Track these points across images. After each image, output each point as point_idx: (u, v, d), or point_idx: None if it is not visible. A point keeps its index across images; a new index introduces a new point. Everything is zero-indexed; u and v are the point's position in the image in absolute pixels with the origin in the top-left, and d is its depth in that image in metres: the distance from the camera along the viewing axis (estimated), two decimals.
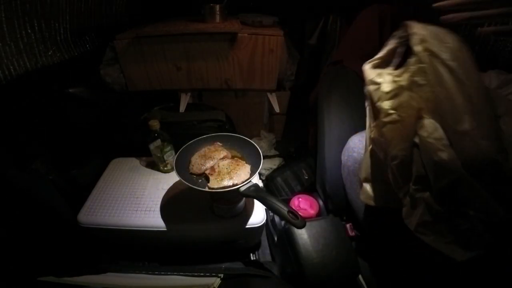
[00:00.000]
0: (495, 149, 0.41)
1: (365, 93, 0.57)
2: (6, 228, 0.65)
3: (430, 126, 0.44)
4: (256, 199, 0.65)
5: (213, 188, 0.67)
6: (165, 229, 0.77)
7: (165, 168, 0.95)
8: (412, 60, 0.47)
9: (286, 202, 0.95)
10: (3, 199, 0.65)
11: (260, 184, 1.01)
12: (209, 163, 0.73)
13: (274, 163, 1.30)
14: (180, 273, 0.55)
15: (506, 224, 0.42)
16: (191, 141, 0.79)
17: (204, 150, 0.78)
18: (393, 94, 0.49)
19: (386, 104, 0.50)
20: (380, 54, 0.57)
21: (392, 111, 0.49)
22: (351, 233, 0.82)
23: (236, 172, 0.70)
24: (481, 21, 0.46)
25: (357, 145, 0.74)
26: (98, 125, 1.08)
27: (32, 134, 0.84)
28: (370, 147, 0.59)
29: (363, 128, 0.79)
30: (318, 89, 1.01)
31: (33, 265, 0.65)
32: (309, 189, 1.08)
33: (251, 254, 0.94)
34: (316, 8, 1.35)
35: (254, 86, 1.26)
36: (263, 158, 0.73)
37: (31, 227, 0.71)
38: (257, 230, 0.81)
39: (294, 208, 0.62)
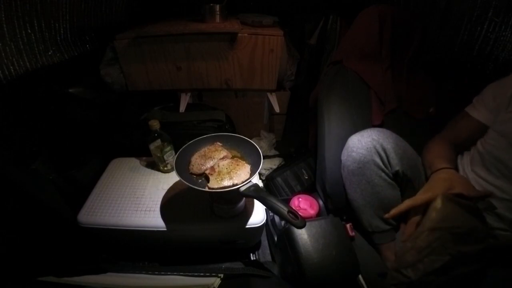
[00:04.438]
0: None
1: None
2: (6, 228, 0.65)
3: None
4: (256, 199, 0.64)
5: (213, 188, 0.67)
6: (165, 229, 0.77)
7: (165, 168, 0.95)
8: None
9: (286, 202, 0.95)
10: (3, 199, 0.65)
11: (260, 184, 1.01)
12: (209, 163, 0.73)
13: (274, 163, 1.29)
14: (180, 273, 0.55)
15: None
16: (191, 141, 0.79)
17: (204, 150, 0.78)
18: None
19: None
20: None
21: None
22: (351, 233, 0.82)
23: (236, 172, 0.70)
24: None
25: (356, 144, 0.74)
26: (98, 125, 1.08)
27: (33, 134, 0.84)
28: None
29: (362, 127, 0.80)
30: (318, 89, 1.01)
31: (33, 265, 0.65)
32: (309, 189, 1.08)
33: (251, 254, 0.94)
34: (316, 8, 1.36)
35: (254, 86, 1.26)
36: (263, 158, 0.73)
37: (31, 227, 0.71)
38: (257, 230, 0.81)
39: (294, 208, 0.62)
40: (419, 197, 0.63)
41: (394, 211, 0.64)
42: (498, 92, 0.67)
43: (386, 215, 0.66)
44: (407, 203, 0.63)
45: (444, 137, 0.77)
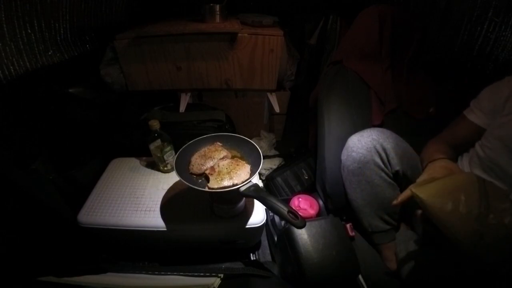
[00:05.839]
0: None
1: None
2: (6, 228, 0.65)
3: None
4: (256, 199, 0.64)
5: (213, 188, 0.67)
6: (165, 229, 0.77)
7: (165, 168, 0.95)
8: None
9: (286, 202, 0.95)
10: (3, 199, 0.65)
11: (260, 184, 1.01)
12: (209, 163, 0.73)
13: (274, 163, 1.29)
14: (180, 273, 0.55)
15: None
16: (191, 141, 0.79)
17: (204, 150, 0.78)
18: None
19: None
20: None
21: None
22: (351, 233, 0.82)
23: (236, 172, 0.69)
24: None
25: (356, 144, 0.74)
26: (98, 125, 1.08)
27: (33, 134, 0.84)
28: None
29: (362, 127, 0.80)
30: (318, 89, 1.01)
31: (33, 265, 0.65)
32: (309, 189, 1.08)
33: (251, 254, 0.94)
34: (316, 8, 1.36)
35: (254, 86, 1.26)
36: (263, 158, 0.73)
37: (31, 227, 0.71)
38: (257, 230, 0.81)
39: (294, 208, 0.62)
40: (422, 180, 0.62)
41: (401, 198, 0.61)
42: (493, 96, 0.68)
43: (394, 202, 0.62)
44: (411, 188, 0.60)
45: (442, 138, 0.77)
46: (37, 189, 0.74)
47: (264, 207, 0.82)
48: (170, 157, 0.93)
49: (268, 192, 0.85)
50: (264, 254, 0.95)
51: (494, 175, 0.64)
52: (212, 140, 0.81)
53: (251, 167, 0.73)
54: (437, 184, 0.57)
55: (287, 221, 0.57)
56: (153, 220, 0.79)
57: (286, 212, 0.57)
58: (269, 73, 1.23)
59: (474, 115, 0.72)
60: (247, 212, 0.81)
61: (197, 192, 0.66)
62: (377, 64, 0.94)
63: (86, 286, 0.50)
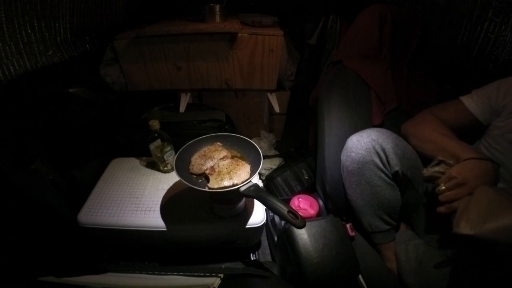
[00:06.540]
0: None
1: None
2: (6, 228, 0.65)
3: None
4: (256, 199, 0.65)
5: (213, 188, 0.67)
6: (165, 229, 0.77)
7: (165, 168, 0.95)
8: None
9: (286, 202, 0.95)
10: (3, 199, 0.65)
11: (260, 184, 1.01)
12: (209, 163, 0.73)
13: (274, 163, 1.29)
14: (180, 273, 0.55)
15: None
16: (191, 141, 0.79)
17: (204, 150, 0.78)
18: None
19: None
20: None
21: None
22: (351, 233, 0.82)
23: (236, 172, 0.69)
24: None
25: (356, 145, 0.74)
26: (98, 125, 1.08)
27: (32, 134, 0.84)
28: None
29: (362, 127, 0.80)
30: (318, 89, 1.01)
31: (33, 265, 0.65)
32: (309, 189, 1.08)
33: (251, 254, 0.94)
34: (316, 8, 1.36)
35: (254, 86, 1.26)
36: (263, 158, 0.73)
37: (31, 227, 0.71)
38: (257, 230, 0.81)
39: (294, 208, 0.62)
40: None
41: (445, 211, 0.59)
42: (510, 92, 0.64)
43: (441, 210, 0.59)
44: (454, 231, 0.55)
45: (437, 116, 0.73)
46: (37, 189, 0.74)
47: (264, 207, 0.82)
48: (170, 157, 0.93)
49: (268, 192, 0.85)
50: (264, 254, 0.95)
51: (502, 179, 0.62)
52: (212, 140, 0.81)
53: (251, 167, 0.73)
54: (471, 214, 0.54)
55: (287, 221, 0.57)
56: (153, 220, 0.79)
57: (286, 212, 0.57)
58: (269, 73, 1.23)
59: (474, 104, 0.69)
60: (247, 212, 0.81)
61: (197, 192, 0.66)
62: (377, 64, 0.94)
63: (86, 286, 0.50)
